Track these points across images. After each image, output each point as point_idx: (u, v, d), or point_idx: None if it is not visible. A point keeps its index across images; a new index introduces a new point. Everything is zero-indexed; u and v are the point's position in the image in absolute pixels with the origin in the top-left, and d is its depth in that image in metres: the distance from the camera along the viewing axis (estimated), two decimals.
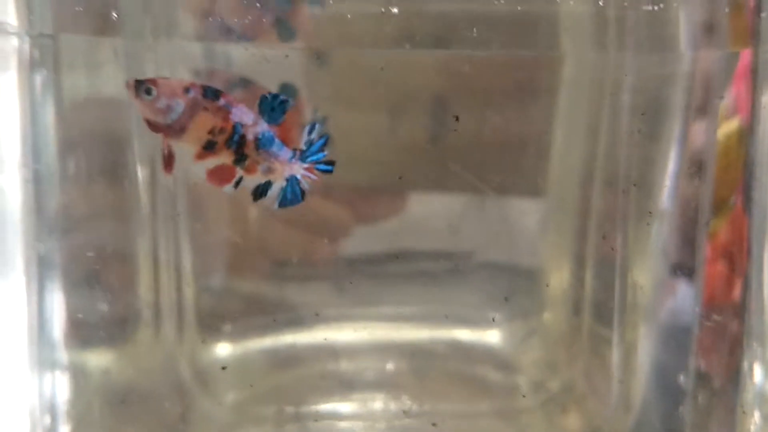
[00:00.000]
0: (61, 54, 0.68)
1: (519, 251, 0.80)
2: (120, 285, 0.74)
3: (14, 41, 0.68)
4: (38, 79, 0.69)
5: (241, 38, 0.66)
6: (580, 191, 0.79)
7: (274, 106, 0.62)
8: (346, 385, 0.79)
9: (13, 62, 0.68)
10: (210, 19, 0.66)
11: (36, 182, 0.71)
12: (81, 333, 0.74)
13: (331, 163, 0.64)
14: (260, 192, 0.64)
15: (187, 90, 0.62)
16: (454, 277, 0.79)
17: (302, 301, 0.78)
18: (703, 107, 0.72)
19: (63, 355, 0.73)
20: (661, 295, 0.76)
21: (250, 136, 0.62)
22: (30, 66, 0.69)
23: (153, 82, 0.61)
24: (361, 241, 0.78)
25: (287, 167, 0.64)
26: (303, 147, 0.64)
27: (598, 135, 0.75)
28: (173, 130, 0.62)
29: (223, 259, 0.77)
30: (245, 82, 0.70)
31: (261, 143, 0.63)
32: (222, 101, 0.62)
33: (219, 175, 0.63)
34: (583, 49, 0.71)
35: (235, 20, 0.66)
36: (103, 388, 0.75)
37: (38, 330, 0.72)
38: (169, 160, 0.63)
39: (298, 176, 0.64)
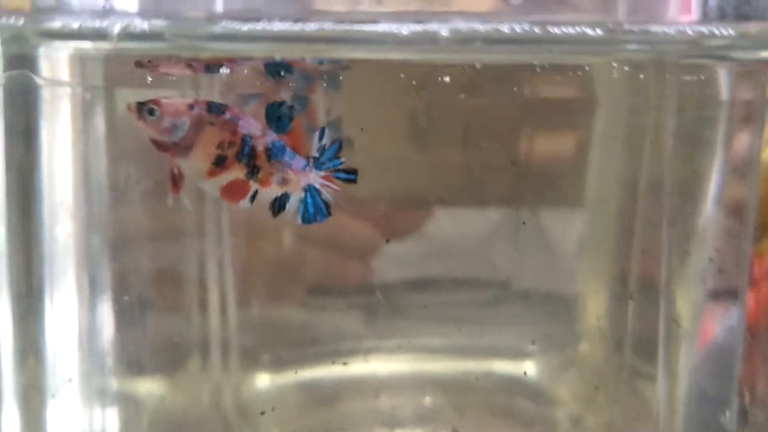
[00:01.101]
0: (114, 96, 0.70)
1: (556, 277, 0.78)
2: (170, 309, 0.73)
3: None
4: (89, 109, 0.70)
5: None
6: (619, 210, 0.77)
7: (280, 114, 0.61)
8: (388, 422, 0.76)
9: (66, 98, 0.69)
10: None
11: (87, 203, 0.70)
12: (132, 359, 0.73)
13: (352, 171, 0.61)
14: (278, 206, 0.61)
15: (190, 107, 0.60)
16: (490, 307, 0.77)
17: (338, 331, 0.76)
18: (748, 118, 0.71)
19: (114, 382, 0.72)
20: (703, 321, 0.73)
21: (260, 147, 0.61)
22: (83, 105, 0.70)
23: (155, 102, 0.60)
24: (392, 268, 0.77)
25: (302, 176, 0.61)
26: (316, 154, 0.61)
27: (638, 153, 0.74)
28: (180, 148, 0.60)
29: (262, 285, 0.76)
30: (259, 95, 0.69)
31: (272, 153, 0.61)
32: (227, 114, 0.61)
33: (233, 191, 0.61)
34: (622, 98, 0.72)
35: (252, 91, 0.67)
36: (154, 417, 0.73)
37: (89, 355, 0.71)
38: (177, 181, 0.61)
39: (317, 186, 0.61)
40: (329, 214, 0.62)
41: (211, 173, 0.61)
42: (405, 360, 0.77)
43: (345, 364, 0.75)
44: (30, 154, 0.70)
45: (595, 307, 0.80)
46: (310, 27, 0.56)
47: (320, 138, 0.61)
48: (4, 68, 0.66)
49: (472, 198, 0.77)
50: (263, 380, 0.77)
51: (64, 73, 0.68)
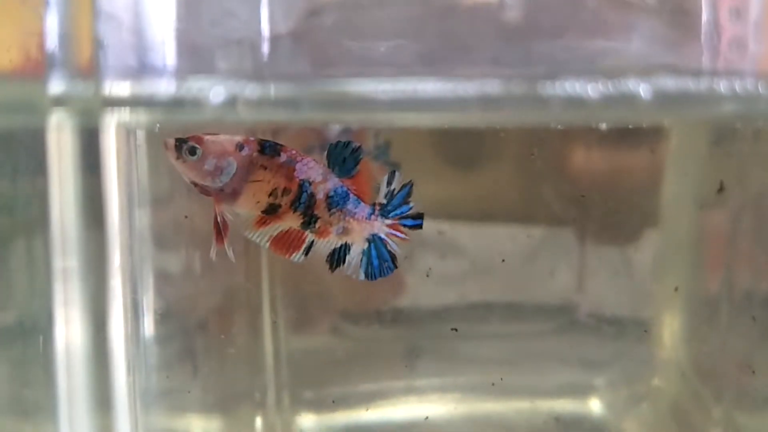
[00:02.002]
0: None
1: (625, 301, 0.72)
2: (224, 344, 0.70)
3: None
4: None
5: None
6: (696, 223, 0.71)
7: (345, 156, 0.53)
8: None
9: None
10: None
11: (131, 233, 0.67)
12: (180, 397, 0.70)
13: (419, 216, 0.54)
14: (337, 258, 0.54)
15: (240, 147, 0.53)
16: (550, 336, 0.72)
17: (382, 366, 0.72)
18: None
19: (163, 420, 0.69)
20: None
21: (320, 195, 0.53)
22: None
23: (198, 139, 0.53)
24: (433, 294, 0.72)
25: (367, 226, 0.54)
26: (383, 200, 0.54)
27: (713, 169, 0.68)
28: (225, 194, 0.53)
29: (306, 315, 0.72)
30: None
31: (333, 201, 0.53)
32: (283, 157, 0.53)
33: (285, 243, 0.54)
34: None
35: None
36: None
37: (137, 394, 0.69)
38: (221, 231, 0.53)
39: (383, 236, 0.54)
40: (396, 266, 0.54)
41: (261, 223, 0.54)
42: (457, 401, 0.72)
43: (393, 404, 0.71)
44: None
45: (669, 334, 0.73)
46: None
47: (389, 182, 0.54)
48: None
49: (528, 215, 0.72)
50: (307, 420, 0.73)
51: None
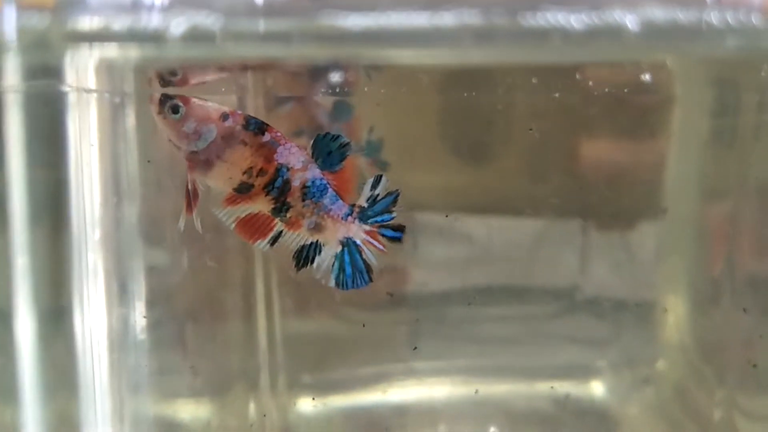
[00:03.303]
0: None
1: (629, 283, 0.71)
2: (216, 326, 0.67)
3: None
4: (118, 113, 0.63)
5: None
6: (701, 203, 0.70)
7: (331, 149, 0.50)
8: None
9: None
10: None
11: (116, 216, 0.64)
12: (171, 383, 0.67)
13: (400, 228, 0.50)
14: (305, 256, 0.51)
15: (224, 117, 0.50)
16: (553, 319, 0.71)
17: (384, 350, 0.70)
18: None
19: (152, 408, 0.67)
20: None
21: (296, 182, 0.50)
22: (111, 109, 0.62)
23: (184, 100, 0.50)
24: (437, 277, 0.70)
25: (342, 227, 0.50)
26: (364, 203, 0.50)
27: (720, 143, 0.67)
28: (199, 161, 0.50)
29: (302, 297, 0.69)
30: (294, 99, 0.62)
31: (309, 192, 0.50)
32: (267, 136, 0.50)
33: (251, 227, 0.51)
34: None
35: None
36: None
37: (123, 377, 0.66)
38: (191, 199, 0.51)
39: (358, 241, 0.51)
40: (371, 279, 0.51)
41: (230, 201, 0.51)
42: (462, 384, 0.70)
43: (395, 387, 0.69)
44: (58, 163, 0.64)
45: (674, 316, 0.72)
46: None
47: (374, 186, 0.51)
48: (27, 76, 0.58)
49: (529, 200, 0.70)
50: (305, 405, 0.71)
51: (90, 78, 0.60)
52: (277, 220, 0.51)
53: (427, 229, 0.69)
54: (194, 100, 0.51)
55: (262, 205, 0.51)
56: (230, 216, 0.51)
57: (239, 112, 0.51)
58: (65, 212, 0.63)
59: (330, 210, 0.51)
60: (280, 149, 0.50)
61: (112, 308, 0.65)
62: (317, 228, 0.51)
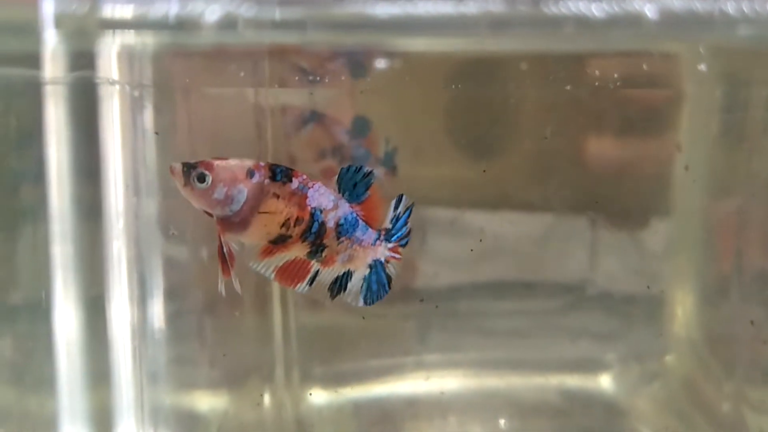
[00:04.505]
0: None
1: (637, 278, 0.71)
2: (233, 318, 0.68)
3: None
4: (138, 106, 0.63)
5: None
6: (710, 199, 0.70)
7: (356, 181, 0.49)
8: None
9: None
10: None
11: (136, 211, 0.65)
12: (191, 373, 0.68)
13: (409, 233, 0.51)
14: (338, 286, 0.51)
15: (250, 173, 0.48)
16: (561, 313, 0.72)
17: (394, 343, 0.71)
18: None
19: (169, 397, 0.68)
20: None
21: (330, 223, 0.49)
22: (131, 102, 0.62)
23: (207, 165, 0.48)
24: (447, 270, 0.71)
25: (371, 252, 0.50)
26: (389, 225, 0.51)
27: (730, 139, 0.67)
28: (233, 224, 0.48)
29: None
30: (317, 116, 0.62)
31: (343, 230, 0.50)
32: (294, 183, 0.49)
33: (290, 274, 0.50)
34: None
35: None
36: None
37: (143, 369, 0.67)
38: (228, 261, 0.49)
39: (383, 260, 0.51)
40: (390, 288, 0.51)
41: (266, 253, 0.49)
42: (471, 376, 0.71)
43: (405, 380, 0.70)
44: (94, 157, 0.63)
45: (682, 311, 0.73)
46: None
47: (396, 206, 0.50)
48: (69, 67, 0.58)
49: (536, 194, 0.71)
50: (318, 397, 0.72)
51: (114, 69, 0.60)
52: (313, 261, 0.50)
53: (437, 224, 0.70)
54: (216, 162, 0.48)
55: (298, 251, 0.50)
56: (268, 267, 0.49)
57: (262, 163, 0.49)
58: (98, 203, 0.63)
59: (362, 241, 0.50)
60: (310, 193, 0.49)
61: (133, 298, 0.66)
62: (349, 259, 0.51)
